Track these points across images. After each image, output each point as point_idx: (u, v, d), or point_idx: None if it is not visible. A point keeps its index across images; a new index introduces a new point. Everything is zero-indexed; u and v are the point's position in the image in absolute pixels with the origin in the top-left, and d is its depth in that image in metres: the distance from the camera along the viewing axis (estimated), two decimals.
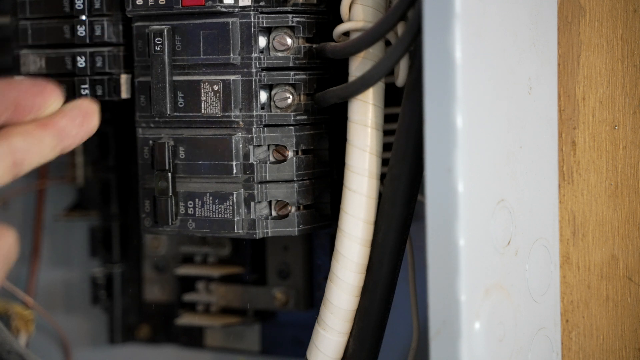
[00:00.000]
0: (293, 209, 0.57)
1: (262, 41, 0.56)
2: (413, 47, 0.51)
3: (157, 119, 0.58)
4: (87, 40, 0.60)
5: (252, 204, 0.57)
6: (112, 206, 0.76)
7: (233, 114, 0.56)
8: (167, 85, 0.57)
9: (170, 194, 0.58)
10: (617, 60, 0.57)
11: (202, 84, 0.56)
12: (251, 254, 0.72)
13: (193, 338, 0.76)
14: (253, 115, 0.56)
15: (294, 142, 0.56)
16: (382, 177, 0.54)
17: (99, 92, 0.60)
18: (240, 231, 0.57)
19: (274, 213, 0.57)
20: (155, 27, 0.57)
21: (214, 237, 0.63)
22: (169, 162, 0.58)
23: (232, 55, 0.56)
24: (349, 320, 0.55)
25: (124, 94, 0.60)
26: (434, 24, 0.46)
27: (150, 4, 0.57)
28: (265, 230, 0.57)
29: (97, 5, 0.60)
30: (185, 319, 0.74)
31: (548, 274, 0.56)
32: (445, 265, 0.47)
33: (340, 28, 0.56)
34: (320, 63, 0.57)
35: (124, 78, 0.60)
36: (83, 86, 0.60)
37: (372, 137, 0.54)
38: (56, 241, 0.81)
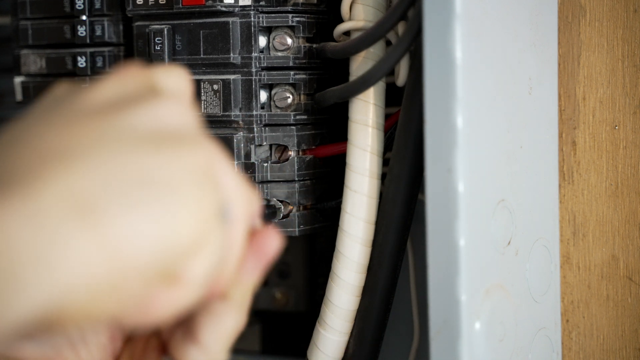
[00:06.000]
0: (294, 209, 0.57)
1: (262, 41, 0.56)
2: (413, 46, 0.51)
3: None
4: (88, 40, 0.60)
5: None
6: None
7: (233, 113, 0.56)
8: None
9: None
10: (618, 60, 0.56)
11: (202, 83, 0.56)
12: None
13: None
14: (253, 115, 0.56)
15: (295, 141, 0.56)
16: (384, 177, 0.54)
17: None
18: None
19: None
20: (156, 26, 0.57)
21: None
22: None
23: (232, 54, 0.56)
24: (349, 320, 0.55)
25: None
26: (434, 23, 0.46)
27: (150, 3, 0.57)
28: None
29: (97, 5, 0.60)
30: None
31: (548, 274, 0.56)
32: (446, 265, 0.47)
33: (341, 27, 0.56)
34: (320, 63, 0.57)
35: None
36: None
37: (373, 136, 0.54)
38: None
